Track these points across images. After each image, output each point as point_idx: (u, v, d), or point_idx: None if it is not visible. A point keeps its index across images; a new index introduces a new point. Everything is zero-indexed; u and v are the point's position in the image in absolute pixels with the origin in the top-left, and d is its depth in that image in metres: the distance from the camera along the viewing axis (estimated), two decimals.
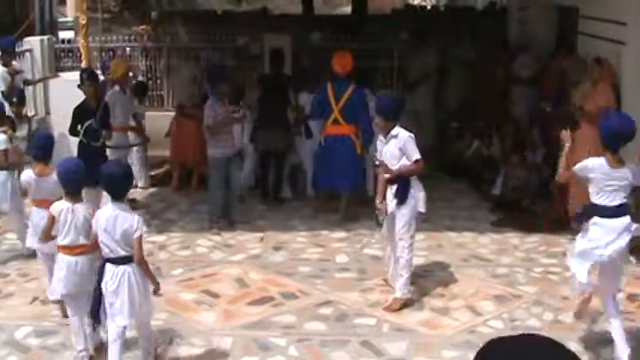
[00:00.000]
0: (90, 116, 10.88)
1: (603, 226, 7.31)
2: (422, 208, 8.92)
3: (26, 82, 14.03)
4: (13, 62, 13.77)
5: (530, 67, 15.25)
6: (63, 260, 7.43)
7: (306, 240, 10.86)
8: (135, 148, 13.35)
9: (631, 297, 8.91)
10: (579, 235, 7.64)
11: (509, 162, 13.20)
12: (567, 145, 8.13)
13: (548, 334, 7.48)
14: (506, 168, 13.12)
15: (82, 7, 13.14)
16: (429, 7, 22.76)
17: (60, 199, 7.63)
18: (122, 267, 6.94)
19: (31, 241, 8.71)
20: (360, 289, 9.41)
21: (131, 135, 13.04)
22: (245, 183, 13.01)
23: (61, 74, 15.38)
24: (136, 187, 12.92)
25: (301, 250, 10.71)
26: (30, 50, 15.44)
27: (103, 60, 15.86)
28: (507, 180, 12.93)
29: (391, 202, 8.81)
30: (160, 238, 10.78)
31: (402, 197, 8.72)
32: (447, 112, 15.95)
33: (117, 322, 6.99)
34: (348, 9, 21.96)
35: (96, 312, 7.12)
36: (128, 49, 17.35)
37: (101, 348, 7.61)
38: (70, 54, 16.68)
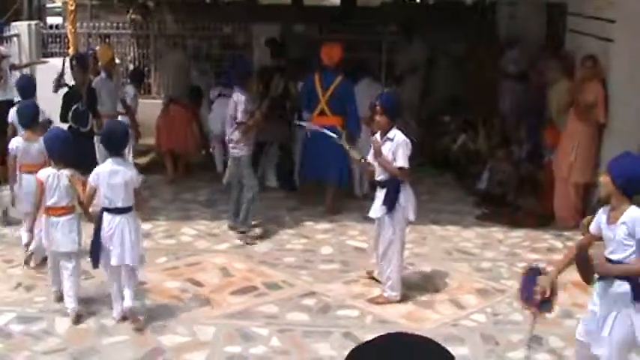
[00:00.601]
0: (78, 102, 10.92)
1: None
2: (411, 217, 8.88)
3: (13, 67, 13.96)
4: (0, 47, 13.72)
5: (518, 63, 15.30)
6: (46, 220, 8.19)
7: (291, 231, 10.87)
8: None
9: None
10: None
11: (495, 156, 13.24)
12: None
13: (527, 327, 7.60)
14: (492, 162, 13.16)
15: None
16: (418, 0, 22.66)
17: (45, 165, 8.48)
18: (118, 217, 7.87)
19: (21, 207, 9.55)
20: (344, 281, 9.44)
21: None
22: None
23: (48, 60, 15.31)
24: None
25: (286, 241, 10.72)
26: (17, 35, 15.39)
27: (90, 47, 15.80)
28: (493, 174, 12.97)
29: (380, 207, 8.73)
30: (145, 227, 10.72)
31: (390, 204, 8.61)
32: (434, 106, 15.98)
33: (112, 262, 7.93)
34: (337, 0, 21.87)
35: (94, 255, 8.06)
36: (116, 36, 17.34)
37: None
38: (58, 40, 16.63)
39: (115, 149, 7.99)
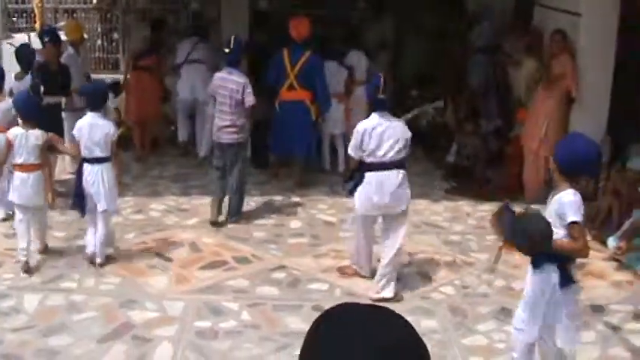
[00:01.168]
0: (51, 78, 10.83)
1: None
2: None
3: None
4: None
5: (487, 37, 15.32)
6: (17, 176, 8.78)
7: (260, 205, 10.86)
8: None
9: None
10: None
11: (463, 130, 13.28)
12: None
13: (499, 300, 7.68)
14: (460, 136, 13.20)
15: None
16: None
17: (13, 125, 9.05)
18: (97, 165, 8.80)
19: None
20: (313, 255, 9.48)
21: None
22: (208, 146, 12.85)
23: (14, 35, 15.19)
24: None
25: (255, 216, 10.72)
26: None
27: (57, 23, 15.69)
28: (461, 148, 13.02)
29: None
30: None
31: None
32: (403, 81, 15.99)
33: (98, 208, 8.85)
34: None
35: (77, 204, 9.05)
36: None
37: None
38: (24, 14, 16.49)
39: (96, 105, 9.01)
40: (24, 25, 16.20)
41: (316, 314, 6.74)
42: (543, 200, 10.53)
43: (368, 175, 8.29)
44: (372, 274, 8.66)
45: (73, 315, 7.79)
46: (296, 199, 11.42)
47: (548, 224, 5.96)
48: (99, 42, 17.10)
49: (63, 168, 11.96)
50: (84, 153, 8.85)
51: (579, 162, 6.03)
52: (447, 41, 15.94)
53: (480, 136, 12.99)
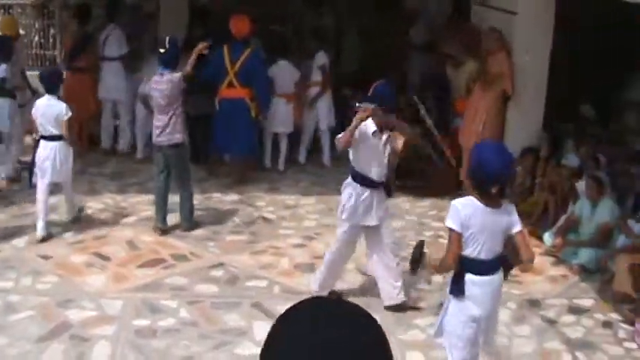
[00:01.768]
0: None
1: None
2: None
3: None
4: None
5: (424, 34, 15.43)
6: None
7: (198, 203, 10.78)
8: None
9: None
10: None
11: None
12: None
13: (437, 296, 7.74)
14: None
15: None
16: None
17: None
18: (52, 143, 9.59)
19: None
20: (252, 252, 9.49)
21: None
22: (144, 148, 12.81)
23: None
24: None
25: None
26: None
27: None
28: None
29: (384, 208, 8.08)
30: (52, 200, 10.54)
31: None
32: (343, 78, 16.03)
33: (45, 180, 9.61)
34: None
35: (30, 174, 9.88)
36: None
37: None
38: None
39: (52, 88, 9.80)
40: None
41: (255, 311, 6.79)
42: None
43: None
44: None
45: (9, 315, 7.70)
46: (235, 196, 11.41)
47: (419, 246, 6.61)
48: (36, 38, 16.88)
49: None
50: (40, 131, 9.69)
51: (482, 173, 5.72)
52: (386, 38, 15.99)
53: (420, 134, 13.05)
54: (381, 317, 7.87)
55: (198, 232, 9.97)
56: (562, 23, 11.31)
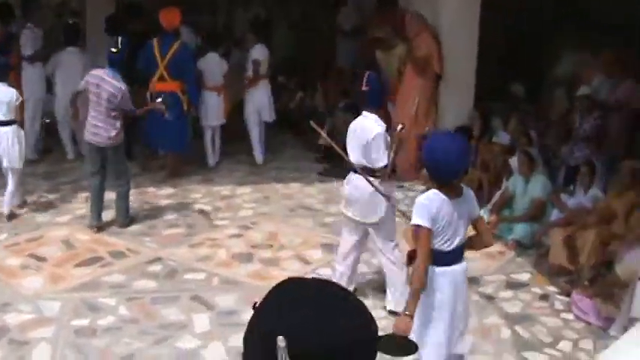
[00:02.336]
0: None
1: None
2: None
3: None
4: None
5: (352, 20, 15.48)
6: None
7: (132, 198, 10.66)
8: None
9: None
10: None
11: (335, 115, 13.38)
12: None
13: (377, 279, 7.77)
14: (331, 119, 13.30)
15: None
16: None
17: None
18: (4, 128, 9.82)
19: None
20: (189, 245, 9.44)
21: None
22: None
23: None
24: None
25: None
26: None
27: None
28: (333, 130, 13.11)
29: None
30: None
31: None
32: (276, 66, 16.03)
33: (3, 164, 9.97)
34: None
35: None
36: None
37: None
38: None
39: (1, 75, 9.99)
40: None
41: (194, 304, 6.75)
42: (415, 178, 10.86)
43: None
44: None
45: None
46: (169, 189, 11.36)
47: None
48: None
49: None
50: None
51: (443, 167, 5.47)
52: (314, 25, 16.03)
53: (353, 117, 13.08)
54: None
55: (135, 228, 9.90)
56: (489, 2, 11.43)
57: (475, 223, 5.79)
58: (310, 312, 1.98)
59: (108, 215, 10.06)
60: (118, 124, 9.61)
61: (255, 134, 12.92)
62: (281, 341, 1.95)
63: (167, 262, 8.93)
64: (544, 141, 10.91)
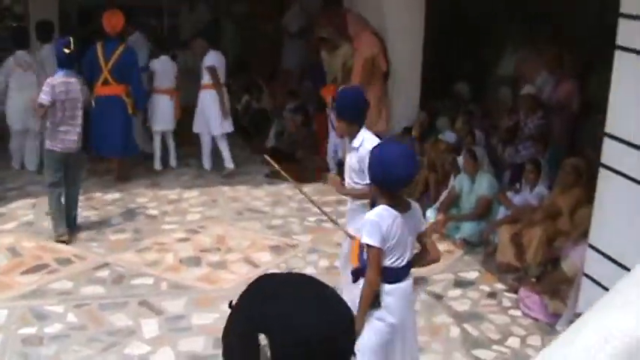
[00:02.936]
0: None
1: None
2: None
3: None
4: None
5: (299, 20, 15.51)
6: None
7: (79, 203, 10.63)
8: None
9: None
10: None
11: (282, 116, 13.41)
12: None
13: (325, 279, 7.80)
14: (279, 120, 13.33)
15: None
16: None
17: None
18: None
19: None
20: (136, 250, 9.37)
21: None
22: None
23: None
24: None
25: None
26: None
27: None
28: (282, 132, 13.14)
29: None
30: None
31: None
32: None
33: None
34: None
35: None
36: None
37: None
38: None
39: None
40: None
41: (143, 309, 6.70)
42: None
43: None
44: None
45: None
46: (116, 194, 11.27)
47: None
48: None
49: None
50: None
51: (391, 177, 5.22)
52: (260, 26, 16.04)
53: (301, 123, 13.11)
54: None
55: (81, 234, 9.79)
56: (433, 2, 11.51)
57: (421, 237, 5.57)
58: (287, 307, 1.99)
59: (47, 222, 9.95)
60: (80, 127, 9.47)
61: (206, 141, 12.69)
62: (262, 339, 1.96)
63: (114, 267, 8.86)
64: (490, 140, 10.98)
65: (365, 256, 5.36)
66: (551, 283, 7.87)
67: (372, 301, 5.40)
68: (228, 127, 12.52)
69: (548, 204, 8.89)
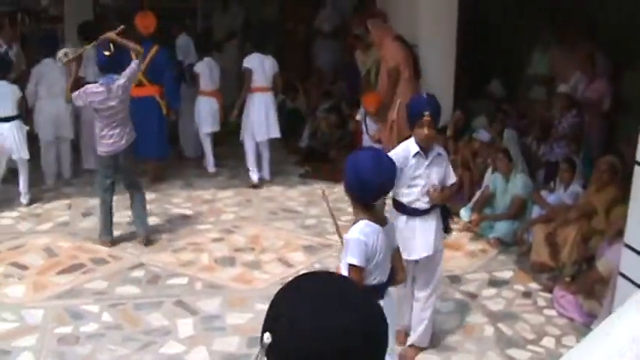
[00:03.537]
0: None
1: None
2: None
3: None
4: None
5: (332, 21, 15.54)
6: None
7: (114, 204, 10.69)
8: None
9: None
10: None
11: (316, 116, 13.42)
12: None
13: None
14: (313, 120, 13.34)
15: None
16: None
17: None
18: (7, 124, 10.59)
19: None
20: (172, 250, 9.43)
21: None
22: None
23: None
24: None
25: None
26: None
27: None
28: (316, 132, 13.15)
29: (434, 239, 6.81)
30: None
31: (449, 228, 7.05)
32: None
33: (13, 156, 10.76)
34: None
35: None
36: None
37: None
38: None
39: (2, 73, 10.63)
40: None
41: (178, 309, 6.73)
42: None
43: None
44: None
45: None
46: (151, 194, 11.30)
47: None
48: None
49: None
50: None
51: (367, 186, 4.95)
52: (293, 27, 16.08)
53: (334, 123, 13.11)
54: None
55: (116, 233, 9.81)
56: (467, 2, 11.48)
57: (392, 255, 5.27)
58: (298, 307, 1.94)
59: (90, 223, 10.02)
60: (128, 127, 9.40)
61: (249, 146, 12.19)
62: (267, 338, 1.92)
63: (150, 267, 8.92)
64: (524, 139, 10.95)
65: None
66: (586, 282, 7.82)
67: None
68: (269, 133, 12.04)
69: (583, 203, 8.85)
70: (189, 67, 12.69)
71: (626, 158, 8.41)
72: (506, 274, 8.89)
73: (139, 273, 8.78)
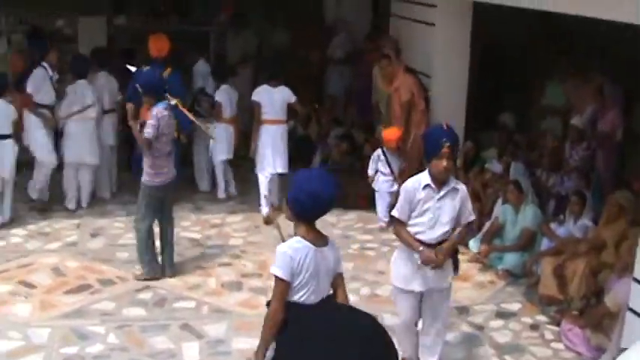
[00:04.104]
0: None
1: None
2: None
3: None
4: None
5: (345, 47, 15.57)
6: None
7: (123, 225, 10.69)
8: None
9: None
10: None
11: (327, 143, 13.42)
12: None
13: (366, 307, 7.79)
14: (324, 147, 13.33)
15: None
16: None
17: None
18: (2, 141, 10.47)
19: None
20: (179, 273, 9.41)
21: None
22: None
23: None
24: None
25: (119, 236, 10.56)
26: None
27: None
28: (327, 159, 13.13)
29: (447, 274, 6.78)
30: None
31: (457, 266, 6.92)
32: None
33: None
34: None
35: None
36: None
37: None
38: None
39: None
40: None
41: (184, 333, 6.73)
42: None
43: None
44: None
45: None
46: None
47: None
48: None
49: None
50: None
51: (310, 204, 5.07)
52: (305, 53, 16.10)
53: (350, 147, 13.08)
54: None
55: (124, 255, 9.84)
56: (480, 33, 11.49)
57: (335, 280, 5.34)
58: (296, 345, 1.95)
59: (98, 243, 10.00)
60: (173, 156, 9.26)
61: (262, 180, 11.72)
62: None
63: (157, 290, 8.91)
64: (534, 170, 10.92)
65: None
66: (595, 316, 7.78)
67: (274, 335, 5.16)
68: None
69: (593, 236, 8.83)
70: (201, 93, 12.57)
71: (636, 192, 8.40)
72: (514, 306, 8.86)
73: (145, 295, 8.77)
